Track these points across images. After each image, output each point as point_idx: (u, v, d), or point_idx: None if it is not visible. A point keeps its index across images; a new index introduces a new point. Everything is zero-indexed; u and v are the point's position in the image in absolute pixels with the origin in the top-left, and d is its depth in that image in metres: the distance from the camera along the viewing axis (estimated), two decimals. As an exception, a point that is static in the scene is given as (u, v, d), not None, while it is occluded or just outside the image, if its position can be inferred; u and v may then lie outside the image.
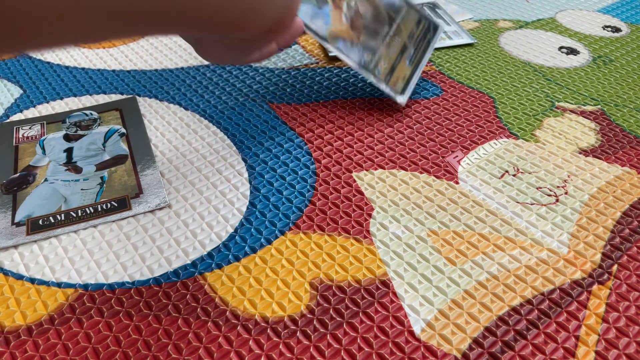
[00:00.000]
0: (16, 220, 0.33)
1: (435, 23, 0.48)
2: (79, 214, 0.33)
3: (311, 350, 0.26)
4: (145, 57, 0.51)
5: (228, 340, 0.26)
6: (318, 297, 0.28)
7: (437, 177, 0.36)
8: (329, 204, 0.34)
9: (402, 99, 0.42)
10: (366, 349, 0.26)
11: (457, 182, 0.36)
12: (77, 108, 0.44)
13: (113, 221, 0.33)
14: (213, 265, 0.30)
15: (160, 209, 0.34)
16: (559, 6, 0.60)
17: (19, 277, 0.29)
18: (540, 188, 0.35)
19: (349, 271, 0.30)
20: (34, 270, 0.30)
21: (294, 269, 0.30)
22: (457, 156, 0.38)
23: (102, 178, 0.36)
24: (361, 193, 0.35)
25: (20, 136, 0.40)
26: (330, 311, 0.28)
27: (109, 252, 0.31)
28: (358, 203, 0.34)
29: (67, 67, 0.49)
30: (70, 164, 0.38)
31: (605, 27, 0.56)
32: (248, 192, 0.35)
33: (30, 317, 0.27)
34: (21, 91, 0.46)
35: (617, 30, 0.55)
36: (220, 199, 0.34)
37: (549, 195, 0.35)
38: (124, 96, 0.45)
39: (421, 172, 0.37)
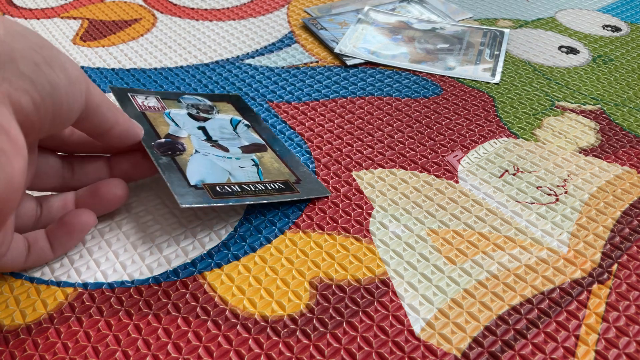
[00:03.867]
0: (192, 183, 0.30)
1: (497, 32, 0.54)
2: (252, 188, 0.31)
3: (311, 349, 0.26)
4: (145, 56, 0.50)
5: (227, 340, 0.26)
6: (318, 296, 0.28)
7: (437, 176, 0.36)
8: (329, 202, 0.34)
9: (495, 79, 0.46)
10: (366, 348, 0.26)
11: (457, 181, 0.36)
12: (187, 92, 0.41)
13: (285, 201, 0.33)
14: (212, 265, 0.30)
15: (325, 197, 0.34)
16: (558, 5, 0.60)
17: (18, 276, 0.29)
18: (540, 187, 0.35)
19: (349, 270, 0.30)
20: (33, 269, 0.30)
21: (293, 268, 0.30)
22: (457, 155, 0.38)
23: (253, 160, 0.34)
24: (361, 192, 0.35)
25: (141, 104, 0.37)
26: (330, 310, 0.28)
27: (108, 251, 0.31)
28: (358, 202, 0.34)
29: (66, 66, 0.49)
30: (213, 142, 0.35)
31: (605, 26, 0.56)
32: (248, 191, 0.35)
33: (29, 316, 0.27)
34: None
35: (617, 29, 0.55)
36: (220, 198, 0.34)
37: (549, 195, 0.35)
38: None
39: (421, 171, 0.37)
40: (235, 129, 0.37)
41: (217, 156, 0.33)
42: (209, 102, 0.39)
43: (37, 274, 0.29)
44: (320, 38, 0.53)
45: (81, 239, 0.30)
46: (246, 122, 0.38)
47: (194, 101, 0.39)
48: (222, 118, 0.38)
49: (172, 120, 0.36)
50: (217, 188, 0.30)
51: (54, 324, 0.27)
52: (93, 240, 0.31)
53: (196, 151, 0.33)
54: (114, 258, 0.30)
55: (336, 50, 0.50)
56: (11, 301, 0.28)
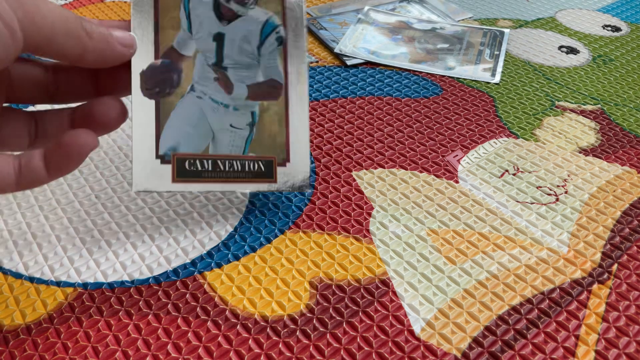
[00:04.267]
0: (161, 152, 0.27)
1: (499, 31, 0.53)
2: (226, 168, 0.28)
3: (311, 349, 0.26)
4: (144, 56, 0.50)
5: (227, 340, 0.26)
6: (318, 296, 0.28)
7: (437, 176, 0.36)
8: (329, 202, 0.34)
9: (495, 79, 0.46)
10: (366, 348, 0.26)
11: (457, 181, 0.36)
12: None
13: (257, 191, 0.29)
14: (212, 264, 0.30)
15: (302, 193, 0.29)
16: (558, 5, 0.60)
17: (18, 276, 0.29)
18: (540, 187, 0.35)
19: (349, 270, 0.30)
20: (33, 269, 0.30)
21: (293, 268, 0.30)
22: (457, 155, 0.38)
23: (252, 115, 0.29)
24: (361, 192, 0.35)
25: None
26: (330, 310, 0.28)
27: (108, 251, 0.31)
28: (358, 202, 0.34)
29: (66, 66, 0.49)
30: (221, 71, 0.29)
31: (605, 26, 0.56)
32: (247, 191, 0.35)
33: (29, 316, 0.27)
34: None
35: (617, 29, 0.55)
36: (220, 197, 0.34)
37: (549, 195, 0.35)
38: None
39: (421, 171, 0.37)
40: (263, 41, 0.30)
41: (212, 101, 0.29)
42: None
43: (37, 274, 0.29)
44: (320, 38, 0.53)
45: (80, 162, 0.26)
46: (281, 33, 0.30)
47: None
48: (255, 17, 0.30)
49: (188, 16, 0.29)
50: (186, 164, 0.27)
51: (53, 324, 0.27)
52: (93, 241, 0.31)
53: (191, 88, 0.28)
54: (113, 258, 0.30)
55: (336, 50, 0.50)
56: (11, 301, 0.28)
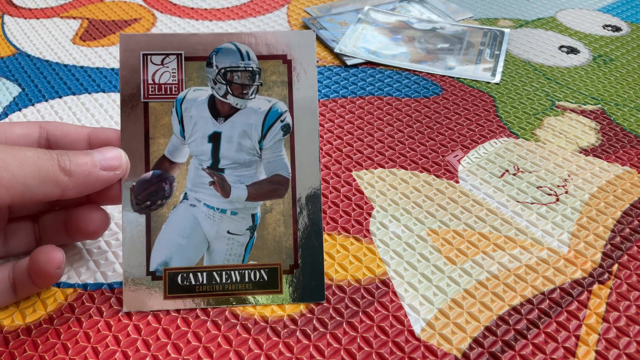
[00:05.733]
0: (152, 269, 0.26)
1: (497, 32, 0.53)
2: (223, 279, 0.25)
3: (311, 349, 0.26)
4: (144, 56, 0.50)
5: (227, 340, 0.26)
6: (318, 297, 0.28)
7: (437, 176, 0.36)
8: (329, 202, 0.34)
9: (496, 79, 0.46)
10: (366, 349, 0.26)
11: (457, 181, 0.36)
12: (223, 33, 0.27)
13: (260, 304, 0.27)
14: (212, 265, 0.30)
15: (317, 304, 0.27)
16: (559, 5, 0.60)
17: (18, 276, 0.29)
18: (541, 187, 0.35)
19: (349, 270, 0.30)
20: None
21: (293, 268, 0.30)
22: (457, 155, 0.38)
23: (253, 218, 0.26)
24: (361, 192, 0.35)
25: (151, 80, 0.26)
26: (330, 310, 0.28)
27: (107, 252, 0.31)
28: (358, 202, 0.34)
29: (65, 66, 0.49)
30: (216, 173, 0.27)
31: (605, 26, 0.56)
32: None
33: (29, 317, 0.27)
34: (20, 90, 0.45)
35: (618, 29, 0.55)
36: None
37: (549, 195, 0.35)
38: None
39: (421, 171, 0.37)
40: (265, 134, 0.26)
41: (207, 207, 0.26)
42: (253, 64, 0.27)
43: (36, 275, 0.29)
44: (320, 38, 0.53)
45: (53, 277, 0.26)
46: (287, 121, 0.27)
47: (231, 62, 0.27)
48: (257, 107, 0.27)
49: (180, 120, 0.26)
50: (178, 279, 0.25)
51: (53, 325, 0.27)
52: (92, 242, 0.31)
53: (184, 196, 0.26)
54: (113, 259, 0.30)
55: (336, 50, 0.50)
56: (11, 301, 0.28)
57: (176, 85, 0.27)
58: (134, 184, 0.26)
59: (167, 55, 0.27)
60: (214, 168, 0.27)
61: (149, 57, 0.27)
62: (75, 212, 0.28)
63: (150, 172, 0.26)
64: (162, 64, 0.27)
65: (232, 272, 0.26)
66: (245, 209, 0.27)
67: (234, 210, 0.27)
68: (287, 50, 0.27)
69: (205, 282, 0.26)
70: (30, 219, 0.29)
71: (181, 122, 0.27)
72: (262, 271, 0.26)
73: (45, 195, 0.24)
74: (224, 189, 0.27)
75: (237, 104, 0.27)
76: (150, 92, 0.27)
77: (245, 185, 0.27)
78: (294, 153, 0.27)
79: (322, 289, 0.27)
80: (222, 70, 0.27)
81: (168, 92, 0.27)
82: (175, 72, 0.27)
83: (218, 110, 0.27)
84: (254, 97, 0.27)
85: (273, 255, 0.27)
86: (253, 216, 0.27)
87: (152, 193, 0.26)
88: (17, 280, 0.26)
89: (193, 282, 0.26)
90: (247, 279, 0.26)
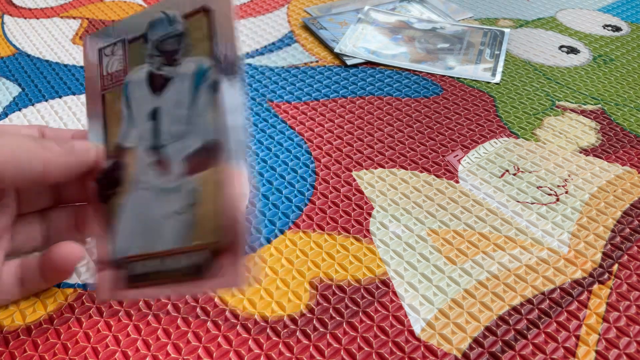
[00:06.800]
0: (114, 259, 0.25)
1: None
2: (170, 265, 0.23)
3: (311, 349, 0.26)
4: (144, 56, 0.50)
5: (227, 340, 0.26)
6: (318, 297, 0.28)
7: (437, 176, 0.36)
8: (329, 202, 0.34)
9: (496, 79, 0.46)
10: (366, 349, 0.26)
11: (457, 181, 0.36)
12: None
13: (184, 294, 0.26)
14: (212, 265, 0.30)
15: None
16: (559, 5, 0.60)
17: (18, 276, 0.29)
18: (541, 187, 0.35)
19: (349, 270, 0.30)
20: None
21: (293, 268, 0.30)
22: (457, 155, 0.38)
23: (192, 193, 0.24)
24: (361, 192, 0.35)
25: (105, 72, 0.27)
26: (330, 310, 0.28)
27: (108, 251, 0.31)
28: (358, 202, 0.34)
29: (65, 66, 0.49)
30: (159, 150, 0.25)
31: (605, 26, 0.56)
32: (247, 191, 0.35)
33: (29, 316, 0.27)
34: (20, 90, 0.45)
35: (618, 29, 0.55)
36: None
37: (550, 195, 0.35)
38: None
39: (421, 171, 0.37)
40: (196, 94, 0.24)
41: (156, 189, 0.24)
42: (179, 24, 0.25)
43: (36, 274, 0.29)
44: (320, 38, 0.53)
45: (70, 272, 0.26)
46: (213, 77, 0.24)
47: (161, 30, 0.26)
48: (186, 72, 0.25)
49: (128, 104, 0.26)
50: (138, 266, 0.24)
51: (53, 325, 0.27)
52: (92, 241, 0.31)
53: (136, 182, 0.25)
54: (113, 258, 0.30)
55: (336, 50, 0.50)
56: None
57: (123, 72, 0.26)
58: (98, 176, 0.26)
59: (115, 43, 0.27)
60: (157, 145, 0.25)
61: (102, 50, 0.27)
62: (86, 207, 0.28)
63: (106, 162, 0.26)
64: (112, 53, 0.27)
65: (166, 260, 0.24)
66: (185, 184, 0.24)
67: (176, 188, 0.24)
68: (206, 1, 0.25)
69: (155, 269, 0.24)
70: (37, 216, 0.29)
71: (129, 105, 0.26)
72: (194, 256, 0.23)
73: (29, 163, 0.23)
74: (165, 166, 0.25)
75: (169, 74, 0.25)
76: (105, 84, 0.27)
77: (181, 158, 0.24)
78: (219, 104, 0.24)
79: (243, 277, 0.22)
80: (155, 42, 0.26)
81: (117, 80, 0.26)
82: (122, 59, 0.27)
83: (155, 85, 0.26)
84: (184, 62, 0.25)
85: (208, 235, 0.23)
86: (191, 192, 0.24)
87: (109, 183, 0.25)
88: (26, 276, 0.27)
89: (148, 270, 0.24)
90: (176, 267, 0.23)
